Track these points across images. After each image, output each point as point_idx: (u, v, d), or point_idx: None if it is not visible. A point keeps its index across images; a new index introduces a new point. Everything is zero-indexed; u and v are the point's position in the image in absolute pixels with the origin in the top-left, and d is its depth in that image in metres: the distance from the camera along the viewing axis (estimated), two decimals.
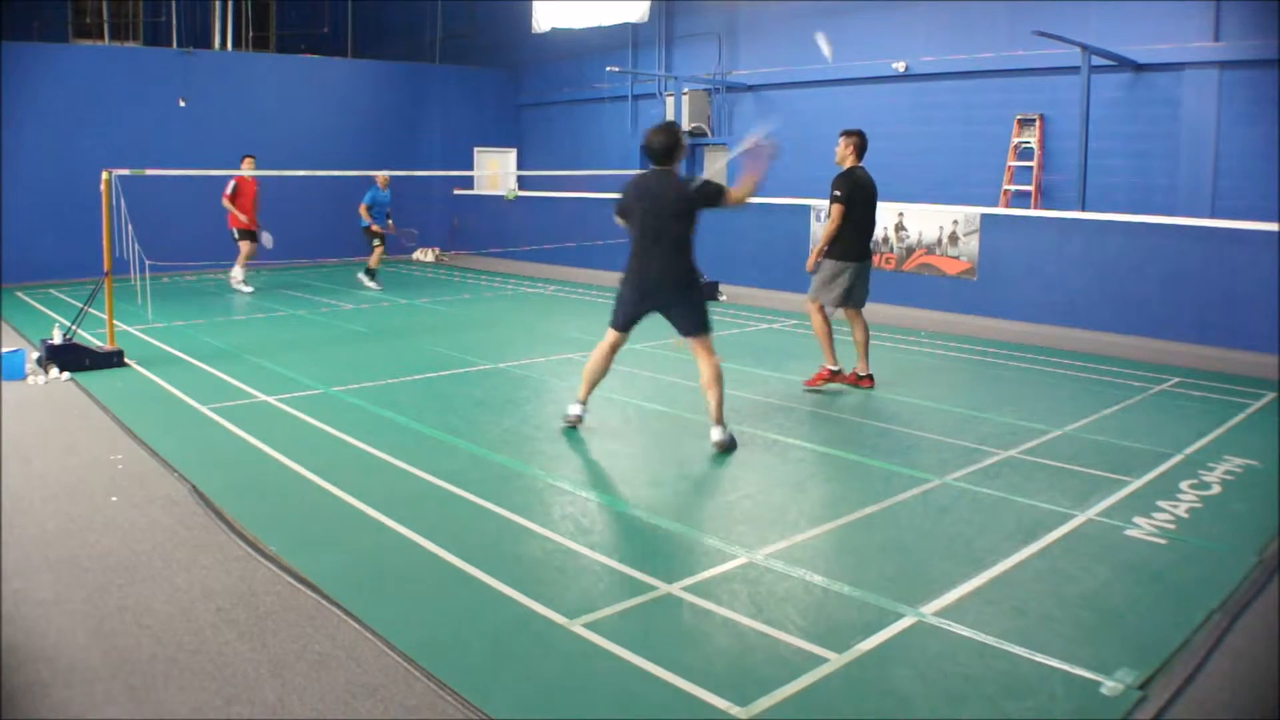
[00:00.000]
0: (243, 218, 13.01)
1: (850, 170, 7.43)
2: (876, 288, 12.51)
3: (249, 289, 13.27)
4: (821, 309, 7.60)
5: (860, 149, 7.46)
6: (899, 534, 4.62)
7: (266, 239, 13.27)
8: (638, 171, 7.48)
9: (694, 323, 5.90)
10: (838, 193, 7.34)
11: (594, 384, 6.26)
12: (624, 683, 3.20)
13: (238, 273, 13.39)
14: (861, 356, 7.67)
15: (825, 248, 7.48)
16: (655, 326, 5.97)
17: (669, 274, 5.85)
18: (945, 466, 5.55)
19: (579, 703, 3.10)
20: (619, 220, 6.07)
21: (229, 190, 12.94)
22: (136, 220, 8.80)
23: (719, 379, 5.86)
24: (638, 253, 5.90)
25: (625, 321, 6.05)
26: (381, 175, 13.99)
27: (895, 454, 5.72)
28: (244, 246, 13.21)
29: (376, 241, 13.98)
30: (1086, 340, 9.74)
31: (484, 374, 8.23)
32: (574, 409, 6.30)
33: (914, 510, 4.92)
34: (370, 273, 14.12)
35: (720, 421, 5.88)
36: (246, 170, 12.75)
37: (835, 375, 7.57)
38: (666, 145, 5.84)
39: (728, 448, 5.82)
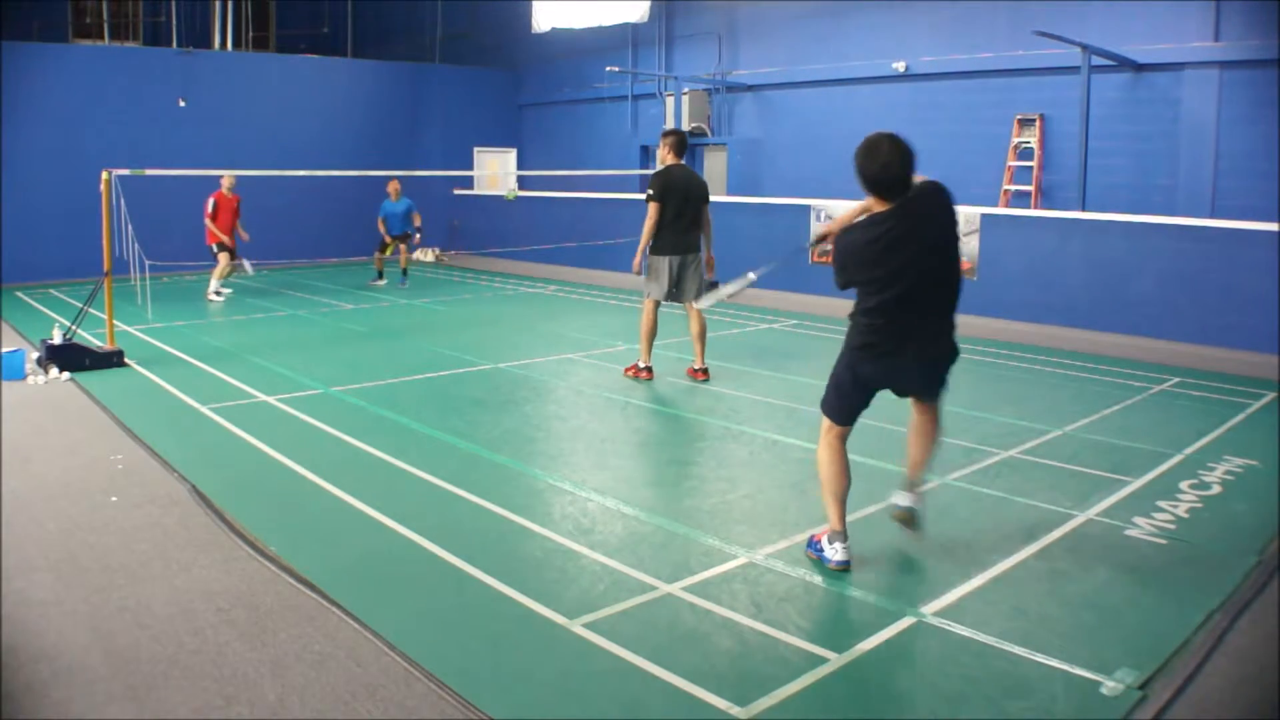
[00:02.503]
0: (221, 235, 12.81)
1: (666, 169, 7.65)
2: None
3: (222, 296, 12.94)
4: (655, 306, 7.82)
5: (677, 148, 7.67)
6: (899, 534, 4.62)
7: (247, 266, 13.13)
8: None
9: (940, 390, 4.29)
10: (650, 191, 7.58)
11: (844, 499, 4.26)
12: (624, 683, 3.21)
13: (214, 284, 13.14)
14: (697, 352, 7.86)
15: (647, 245, 7.69)
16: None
17: (942, 347, 4.12)
18: (945, 466, 5.54)
19: (579, 703, 3.10)
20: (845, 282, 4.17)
21: (209, 209, 12.62)
22: (136, 220, 8.81)
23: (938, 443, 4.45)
24: (896, 317, 4.01)
25: (853, 415, 4.33)
26: (391, 185, 14.23)
27: (896, 454, 5.70)
28: (222, 259, 12.89)
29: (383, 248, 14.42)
30: (1086, 340, 9.73)
31: (484, 374, 8.23)
32: (837, 548, 4.18)
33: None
34: (379, 274, 14.57)
35: (916, 488, 4.40)
36: (226, 183, 12.52)
37: (649, 373, 7.83)
38: (909, 162, 4.15)
39: (909, 521, 4.37)
